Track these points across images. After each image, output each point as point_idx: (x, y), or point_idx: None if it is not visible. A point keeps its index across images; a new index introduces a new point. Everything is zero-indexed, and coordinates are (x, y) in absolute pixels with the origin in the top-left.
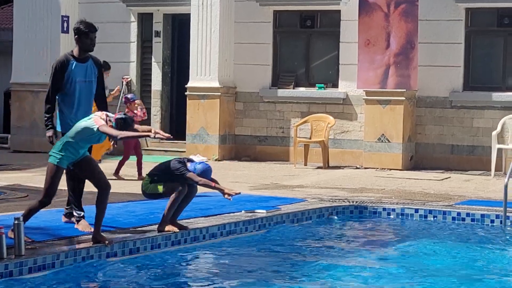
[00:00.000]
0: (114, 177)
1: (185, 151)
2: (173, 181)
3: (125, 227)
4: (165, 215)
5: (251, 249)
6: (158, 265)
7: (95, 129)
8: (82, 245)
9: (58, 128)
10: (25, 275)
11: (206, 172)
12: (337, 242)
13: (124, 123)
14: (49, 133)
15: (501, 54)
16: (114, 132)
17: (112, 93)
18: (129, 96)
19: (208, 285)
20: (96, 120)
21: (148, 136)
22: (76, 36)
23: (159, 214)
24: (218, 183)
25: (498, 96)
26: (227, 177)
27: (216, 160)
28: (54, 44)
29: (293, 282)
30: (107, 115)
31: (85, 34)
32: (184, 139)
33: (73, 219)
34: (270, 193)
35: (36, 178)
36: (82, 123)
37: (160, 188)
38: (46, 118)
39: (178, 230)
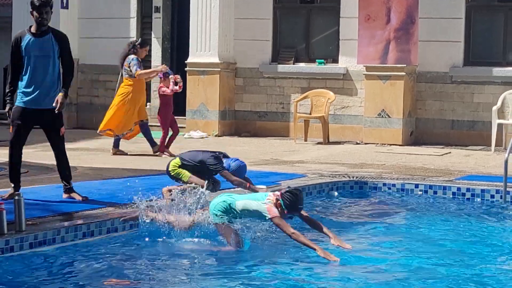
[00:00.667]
0: (165, 154)
1: (185, 127)
2: (202, 175)
3: (124, 202)
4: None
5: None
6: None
7: (266, 218)
8: (82, 221)
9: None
10: (25, 250)
11: (240, 170)
12: (338, 217)
13: (292, 204)
14: (6, 108)
15: (502, 29)
16: (288, 230)
17: (157, 69)
18: (168, 71)
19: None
20: (269, 209)
21: None
22: (30, 10)
23: (159, 190)
24: (252, 183)
25: (499, 71)
26: (228, 153)
27: (216, 136)
28: (53, 19)
29: (296, 252)
30: (276, 198)
31: (37, 8)
32: (184, 115)
33: (73, 195)
34: (270, 168)
35: (36, 154)
36: (253, 204)
37: (186, 177)
38: (6, 93)
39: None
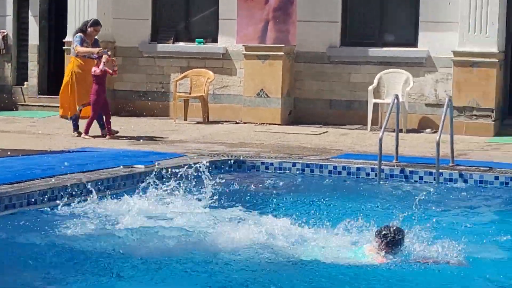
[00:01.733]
0: (87, 137)
1: None
2: None
3: (0, 183)
4: None
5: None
6: (34, 221)
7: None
8: None
9: None
10: None
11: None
12: (217, 195)
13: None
14: None
15: (378, 10)
16: None
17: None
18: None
19: (87, 239)
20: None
21: None
22: None
23: (36, 170)
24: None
25: (375, 52)
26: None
27: None
28: None
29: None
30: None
31: None
32: None
33: None
34: (149, 148)
35: None
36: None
37: None
38: None
39: None
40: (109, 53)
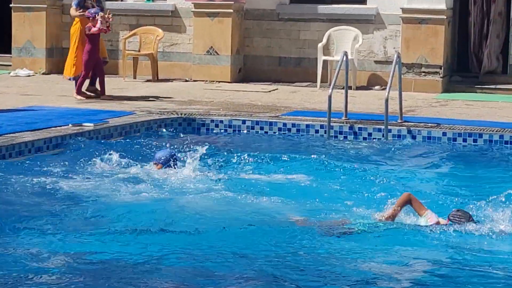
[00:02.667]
0: (78, 97)
1: (11, 65)
2: None
3: None
4: None
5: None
6: None
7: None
8: None
9: None
10: None
11: None
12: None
13: None
14: None
15: None
16: None
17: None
18: (92, 11)
19: (41, 197)
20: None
21: None
22: None
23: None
24: None
25: (324, 9)
26: (55, 91)
27: (43, 73)
28: None
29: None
30: None
31: None
32: (10, 53)
33: None
34: (98, 106)
35: None
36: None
37: None
38: None
39: None
40: (103, 12)
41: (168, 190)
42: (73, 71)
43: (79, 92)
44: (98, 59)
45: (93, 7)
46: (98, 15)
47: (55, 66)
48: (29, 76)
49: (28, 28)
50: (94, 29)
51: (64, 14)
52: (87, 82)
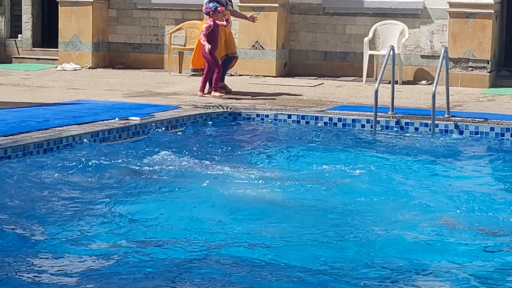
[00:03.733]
0: (217, 94)
1: (58, 59)
2: None
3: None
4: None
5: (125, 157)
6: (32, 172)
7: None
8: None
9: None
10: None
11: None
12: (213, 148)
13: None
14: None
15: None
16: None
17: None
18: (210, 5)
19: (83, 190)
20: None
21: None
22: None
23: (31, 122)
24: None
25: (370, 3)
26: (101, 85)
27: (89, 68)
28: None
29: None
30: None
31: None
32: (57, 47)
33: None
34: (144, 100)
35: None
36: None
37: None
38: None
39: None
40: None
41: (217, 185)
42: (193, 63)
43: (215, 89)
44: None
45: (226, 4)
46: (218, 9)
47: (101, 61)
48: (75, 70)
49: (74, 22)
50: (224, 23)
51: (110, 8)
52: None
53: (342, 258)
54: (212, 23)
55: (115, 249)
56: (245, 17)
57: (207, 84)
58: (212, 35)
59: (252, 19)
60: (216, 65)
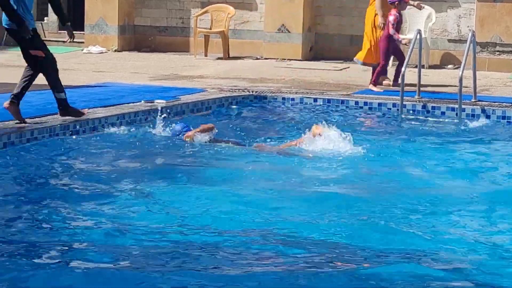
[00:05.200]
0: (374, 89)
1: (84, 42)
2: None
3: (22, 117)
4: None
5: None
6: (57, 153)
7: None
8: None
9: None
10: None
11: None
12: (238, 131)
13: None
14: None
15: None
16: None
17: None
18: None
19: (110, 171)
20: None
21: None
22: None
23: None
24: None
25: None
26: (127, 68)
27: (115, 51)
28: None
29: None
30: None
31: None
32: (83, 30)
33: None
34: (170, 83)
35: None
36: None
37: None
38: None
39: None
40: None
41: (244, 166)
42: (364, 56)
43: (375, 83)
44: (397, 46)
45: None
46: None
47: (127, 44)
48: (101, 53)
49: (100, 5)
50: (390, 18)
51: None
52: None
53: (371, 236)
54: (398, 14)
55: (143, 229)
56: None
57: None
58: (397, 26)
59: (419, 7)
60: (388, 58)
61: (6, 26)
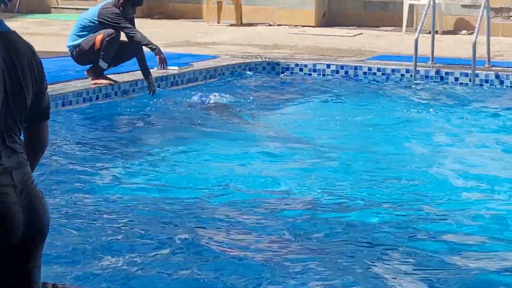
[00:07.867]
0: None
1: None
2: None
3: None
4: None
5: (164, 104)
6: (70, 122)
7: None
8: None
9: None
10: None
11: None
12: (254, 96)
13: None
14: None
15: None
16: None
17: None
18: None
19: (120, 138)
20: None
21: None
22: None
23: (71, 72)
24: None
25: None
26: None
27: None
28: None
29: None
30: None
31: None
32: None
33: None
34: (182, 50)
35: None
36: None
37: None
38: None
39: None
40: None
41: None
42: None
43: None
44: None
45: None
46: None
47: (139, 10)
48: None
49: None
50: None
51: None
52: None
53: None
54: None
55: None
56: None
57: None
58: None
59: None
60: None
61: None
